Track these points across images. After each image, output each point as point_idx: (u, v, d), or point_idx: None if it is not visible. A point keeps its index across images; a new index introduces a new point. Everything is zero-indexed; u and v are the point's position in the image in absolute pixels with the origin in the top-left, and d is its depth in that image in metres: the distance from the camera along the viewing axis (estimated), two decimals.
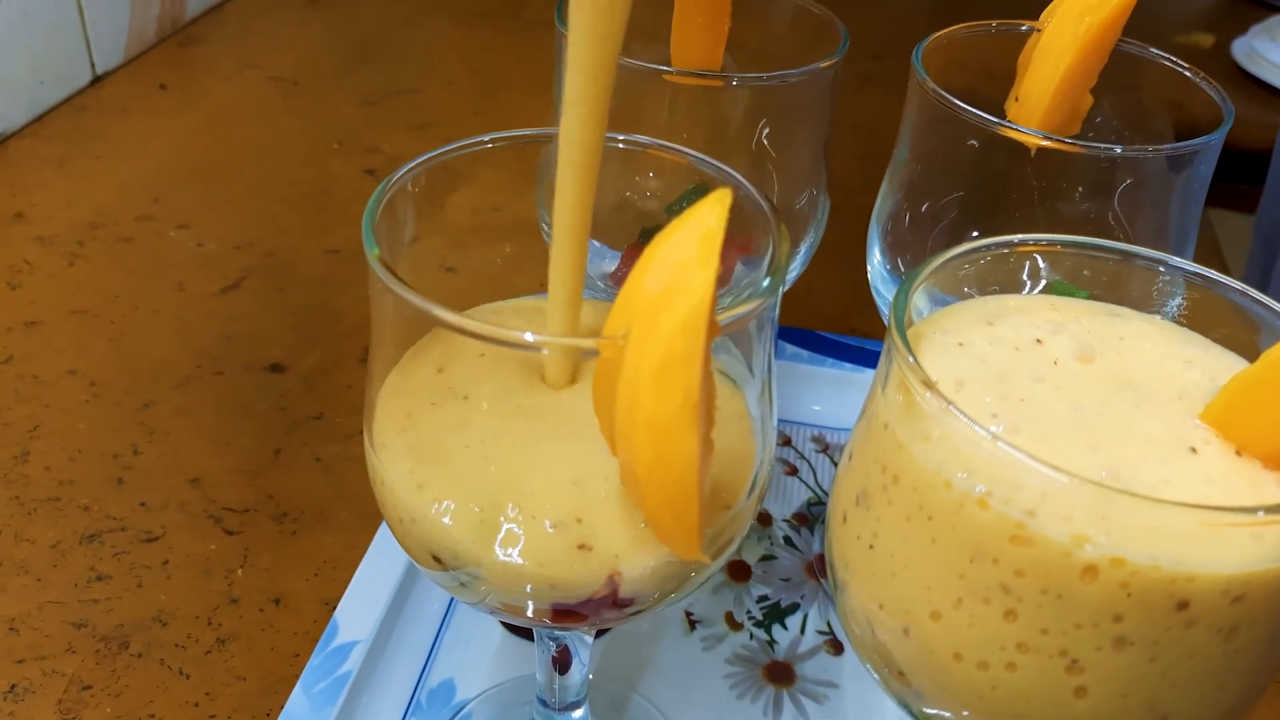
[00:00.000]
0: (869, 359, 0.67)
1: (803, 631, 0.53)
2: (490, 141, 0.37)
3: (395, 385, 0.35)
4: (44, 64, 0.89)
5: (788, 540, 0.57)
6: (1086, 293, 0.35)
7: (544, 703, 0.45)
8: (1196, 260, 0.36)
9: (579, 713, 0.46)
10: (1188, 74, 0.47)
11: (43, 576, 0.53)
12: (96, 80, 0.96)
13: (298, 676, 0.48)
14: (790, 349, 0.67)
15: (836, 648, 0.52)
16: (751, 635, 0.52)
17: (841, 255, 0.60)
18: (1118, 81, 0.46)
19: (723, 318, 0.29)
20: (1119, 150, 0.43)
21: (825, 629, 0.53)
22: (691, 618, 0.53)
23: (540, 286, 0.38)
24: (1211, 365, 0.32)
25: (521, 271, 0.41)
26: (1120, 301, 0.35)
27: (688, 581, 0.35)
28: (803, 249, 0.52)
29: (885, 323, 0.46)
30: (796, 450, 0.63)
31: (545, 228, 0.45)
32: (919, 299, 0.33)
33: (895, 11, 1.24)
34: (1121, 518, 0.26)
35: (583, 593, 0.33)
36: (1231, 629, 0.27)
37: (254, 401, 0.64)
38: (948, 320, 0.33)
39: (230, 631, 0.51)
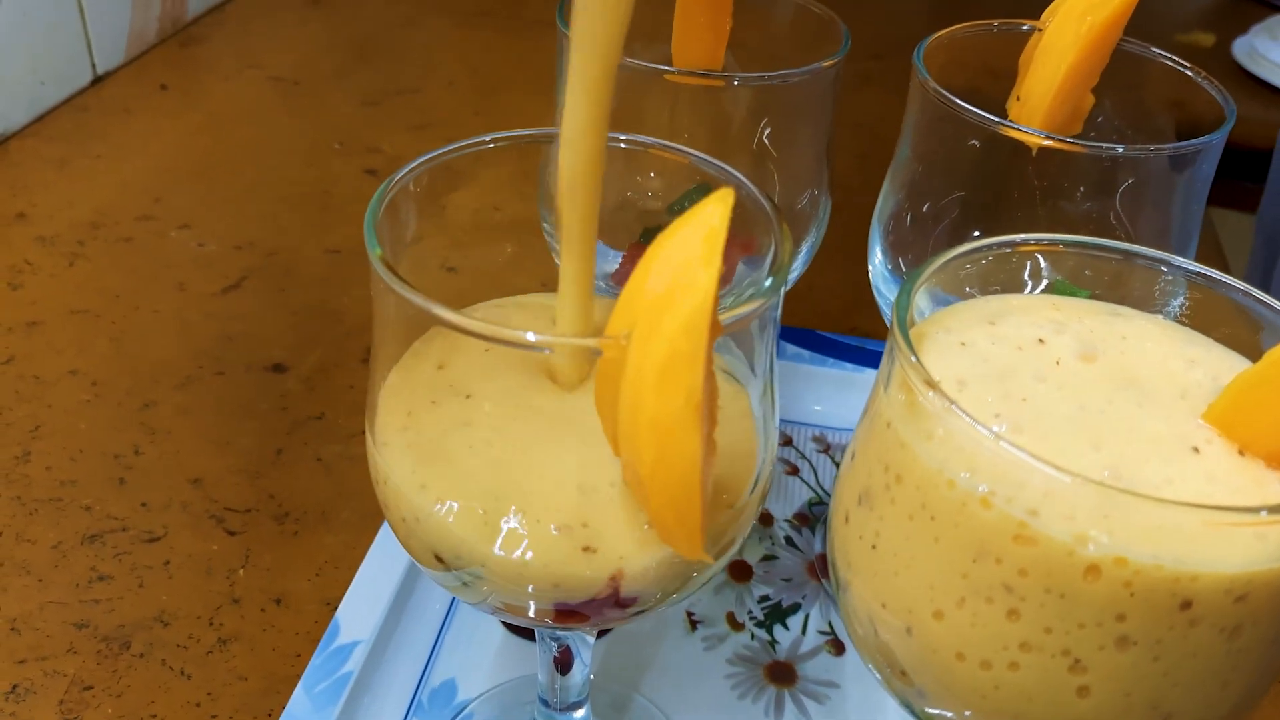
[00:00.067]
0: (870, 359, 0.67)
1: (804, 631, 0.53)
2: (492, 141, 0.37)
3: (396, 384, 0.35)
4: (45, 64, 0.89)
5: (789, 540, 0.57)
6: (1088, 292, 0.35)
7: (545, 703, 0.45)
8: (1198, 259, 0.36)
9: (580, 713, 0.46)
10: (1189, 73, 0.47)
11: (44, 577, 0.53)
12: (97, 80, 0.96)
13: (299, 677, 0.48)
14: (791, 349, 0.67)
15: (838, 648, 0.52)
16: (753, 635, 0.52)
17: (843, 255, 0.60)
18: (1119, 81, 0.46)
19: (725, 317, 0.29)
20: (1121, 150, 0.43)
21: (827, 629, 0.53)
22: (693, 618, 0.53)
23: (541, 285, 0.38)
24: (1214, 365, 0.32)
25: (523, 271, 0.41)
26: (1122, 301, 0.35)
27: (690, 581, 0.35)
28: (804, 249, 0.52)
29: (886, 322, 0.46)
30: (798, 450, 0.63)
31: (546, 227, 0.45)
32: (921, 299, 0.33)
33: (896, 11, 1.24)
34: (1124, 517, 0.26)
35: (586, 593, 0.33)
36: (1235, 628, 0.27)
37: (255, 401, 0.64)
38: (950, 320, 0.33)
39: (232, 632, 0.51)
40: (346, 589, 0.51)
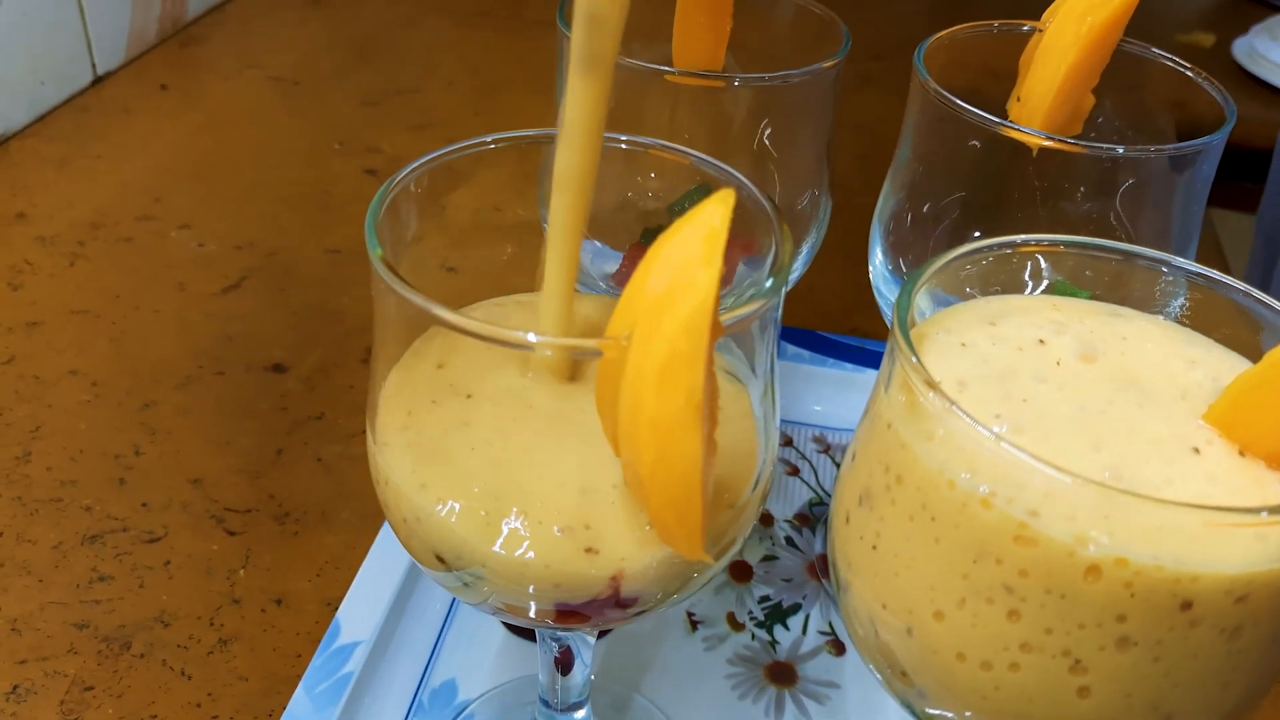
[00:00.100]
0: (870, 359, 0.67)
1: (804, 632, 0.53)
2: (493, 142, 0.37)
3: (397, 383, 0.35)
4: (45, 64, 0.89)
5: (789, 541, 0.57)
6: (1089, 293, 0.35)
7: (546, 703, 0.45)
8: (1198, 260, 0.36)
9: (581, 713, 0.46)
10: (1189, 74, 0.47)
11: (44, 577, 0.53)
12: (97, 80, 0.96)
13: (300, 677, 0.48)
14: (791, 349, 0.67)
15: (838, 648, 0.52)
16: (753, 636, 0.52)
17: (843, 255, 0.60)
18: (1119, 81, 0.46)
19: (726, 318, 0.29)
20: (1121, 150, 0.43)
21: (827, 629, 0.53)
22: (693, 618, 0.53)
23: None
24: (1214, 365, 0.32)
25: (523, 271, 0.41)
26: (1122, 302, 0.35)
27: (691, 582, 0.35)
28: (805, 249, 0.52)
29: (886, 323, 0.46)
30: (798, 450, 0.63)
31: (547, 228, 0.45)
32: (922, 299, 0.33)
33: (896, 11, 1.24)
34: (1125, 518, 0.26)
35: (587, 594, 0.33)
36: (1235, 629, 0.27)
37: (255, 401, 0.64)
38: (950, 320, 0.33)
39: (232, 632, 0.51)
40: (347, 589, 0.51)
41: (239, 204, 0.82)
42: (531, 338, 0.31)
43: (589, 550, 0.32)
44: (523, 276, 0.40)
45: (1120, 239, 0.39)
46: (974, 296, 0.35)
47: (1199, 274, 0.34)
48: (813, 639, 0.53)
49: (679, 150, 0.38)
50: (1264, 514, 0.26)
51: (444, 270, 0.39)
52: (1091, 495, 0.26)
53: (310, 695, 0.47)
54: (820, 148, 0.52)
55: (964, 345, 0.32)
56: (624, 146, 0.38)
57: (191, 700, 0.48)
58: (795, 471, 0.62)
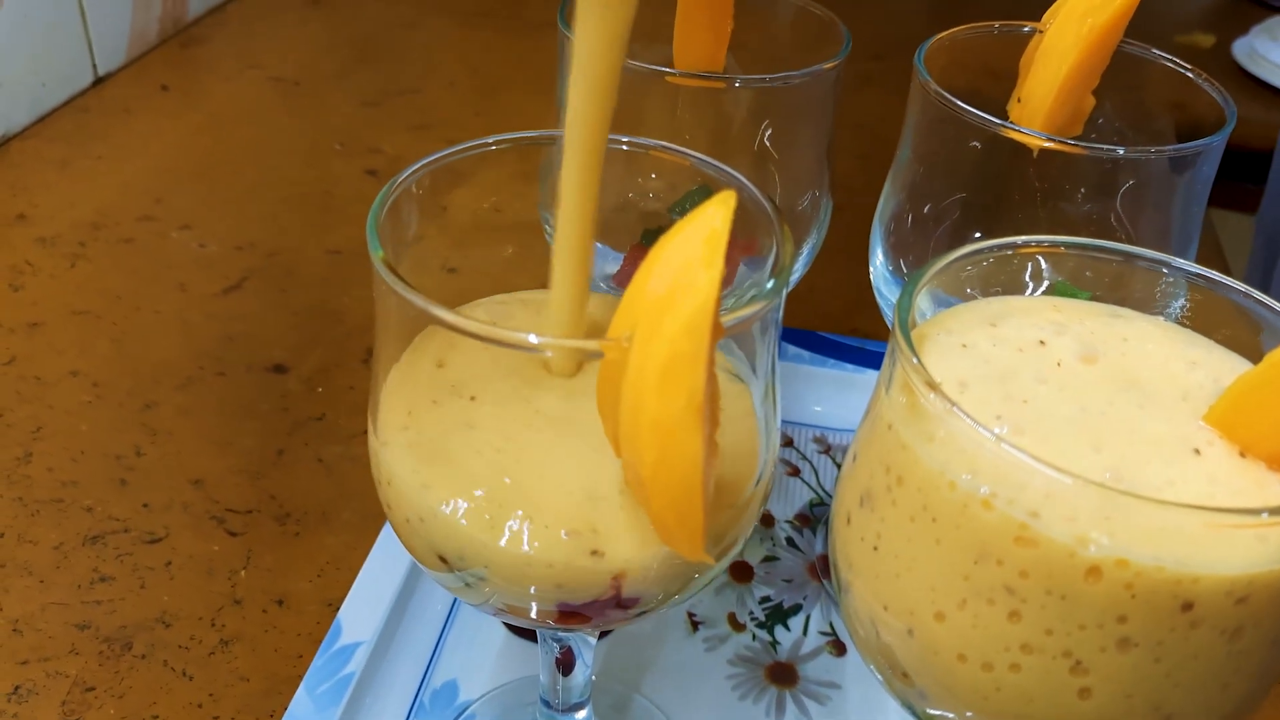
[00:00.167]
0: (871, 360, 0.67)
1: (805, 632, 0.53)
2: (494, 143, 0.37)
3: (397, 382, 0.35)
4: (46, 65, 0.89)
5: (790, 541, 0.57)
6: (1089, 294, 0.35)
7: (547, 704, 0.45)
8: (1199, 261, 0.36)
9: (582, 714, 0.46)
10: (1190, 75, 0.47)
11: (46, 578, 0.53)
12: (98, 81, 0.96)
13: (301, 677, 0.48)
14: (792, 350, 0.67)
15: (839, 649, 0.52)
16: (754, 636, 0.52)
17: (844, 256, 0.60)
18: (1120, 82, 0.46)
19: (727, 319, 0.29)
20: (1121, 151, 0.43)
21: (828, 630, 0.53)
22: (694, 619, 0.53)
23: (541, 286, 0.38)
24: (1215, 366, 0.32)
25: (523, 272, 0.41)
26: (1123, 303, 0.35)
27: (692, 582, 0.35)
28: (805, 250, 0.52)
29: (887, 324, 0.46)
30: (799, 451, 0.63)
31: (547, 229, 0.45)
32: (922, 300, 0.33)
33: (896, 12, 1.24)
34: (1125, 519, 0.26)
35: (589, 594, 0.33)
36: (1236, 630, 0.27)
37: (256, 402, 0.64)
38: (951, 321, 0.33)
39: (233, 633, 0.51)
40: (348, 590, 0.51)
41: (240, 204, 0.82)
42: (532, 338, 0.31)
43: (594, 553, 0.32)
44: (523, 276, 0.40)
45: (1120, 240, 0.39)
46: (975, 297, 0.35)
47: (1199, 275, 0.34)
48: (813, 639, 0.53)
49: (680, 151, 0.38)
50: (1265, 515, 0.26)
51: (445, 271, 0.39)
52: (1092, 496, 0.26)
53: (311, 696, 0.47)
54: (821, 148, 0.52)
55: (965, 346, 0.32)
56: (625, 148, 0.38)
57: (193, 701, 0.48)
58: (796, 472, 0.62)
